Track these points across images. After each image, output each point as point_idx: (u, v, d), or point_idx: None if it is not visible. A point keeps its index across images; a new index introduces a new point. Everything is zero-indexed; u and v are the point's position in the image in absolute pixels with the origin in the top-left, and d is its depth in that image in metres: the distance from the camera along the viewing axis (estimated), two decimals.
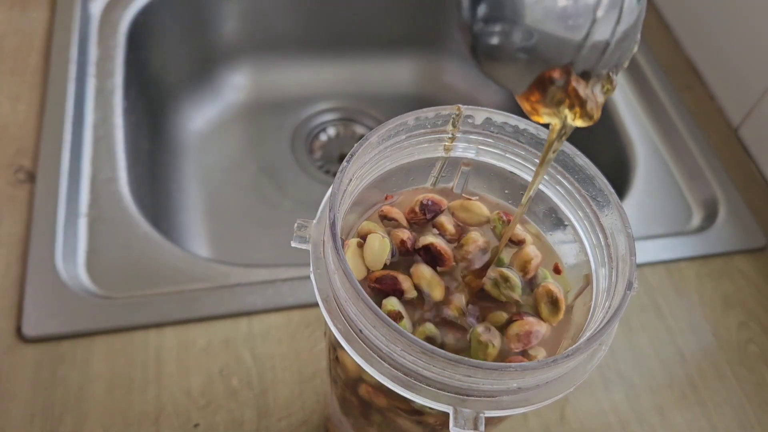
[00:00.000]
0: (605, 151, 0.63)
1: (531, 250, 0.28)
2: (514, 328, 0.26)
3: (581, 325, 0.27)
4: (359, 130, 0.76)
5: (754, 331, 0.49)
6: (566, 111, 0.20)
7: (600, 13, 0.16)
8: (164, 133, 0.68)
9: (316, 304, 0.25)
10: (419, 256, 0.28)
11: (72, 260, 0.45)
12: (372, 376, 0.23)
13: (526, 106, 0.20)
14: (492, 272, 0.28)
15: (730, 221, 0.55)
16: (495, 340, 0.26)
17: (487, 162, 0.30)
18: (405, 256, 0.28)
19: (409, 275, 0.27)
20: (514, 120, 0.28)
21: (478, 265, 0.28)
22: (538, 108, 0.20)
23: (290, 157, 0.72)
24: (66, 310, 0.42)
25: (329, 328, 0.24)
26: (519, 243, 0.30)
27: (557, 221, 0.30)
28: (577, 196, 0.28)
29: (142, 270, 0.46)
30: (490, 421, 0.26)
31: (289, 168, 0.72)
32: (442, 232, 0.29)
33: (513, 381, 0.22)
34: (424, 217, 0.29)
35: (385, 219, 0.29)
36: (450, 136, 0.29)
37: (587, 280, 0.28)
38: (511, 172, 0.30)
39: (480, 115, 0.28)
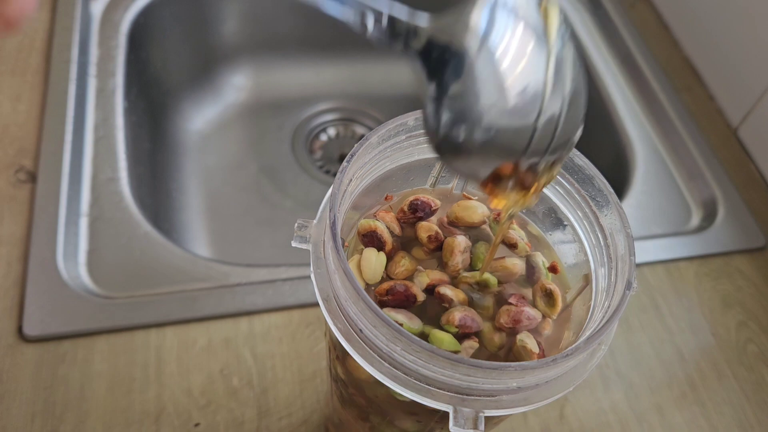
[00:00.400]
0: (605, 151, 0.63)
1: (509, 262, 0.28)
2: (506, 308, 0.26)
3: (581, 325, 0.27)
4: (359, 130, 0.76)
5: (753, 331, 0.49)
6: (514, 196, 0.23)
7: (547, 95, 0.17)
8: (165, 133, 0.68)
9: (317, 304, 0.25)
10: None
11: (73, 260, 0.45)
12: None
13: (485, 191, 0.22)
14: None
15: (730, 221, 0.55)
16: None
17: None
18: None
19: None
20: None
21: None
22: (495, 194, 0.22)
23: (290, 157, 0.72)
24: (67, 310, 0.43)
25: (329, 328, 0.24)
26: (512, 246, 0.30)
27: (556, 221, 0.30)
28: (577, 196, 0.28)
29: (142, 270, 0.46)
30: (490, 421, 0.26)
31: (290, 168, 0.72)
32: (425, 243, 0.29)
33: (513, 380, 0.22)
34: (414, 216, 0.29)
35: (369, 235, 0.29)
36: None
37: (586, 280, 0.28)
38: None
39: None
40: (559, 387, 0.24)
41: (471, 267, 0.28)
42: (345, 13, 0.15)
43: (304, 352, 0.43)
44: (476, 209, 0.30)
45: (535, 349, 0.26)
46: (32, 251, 0.45)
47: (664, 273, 0.51)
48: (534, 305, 0.28)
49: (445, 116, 0.17)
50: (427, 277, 0.27)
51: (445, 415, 0.23)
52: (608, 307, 0.25)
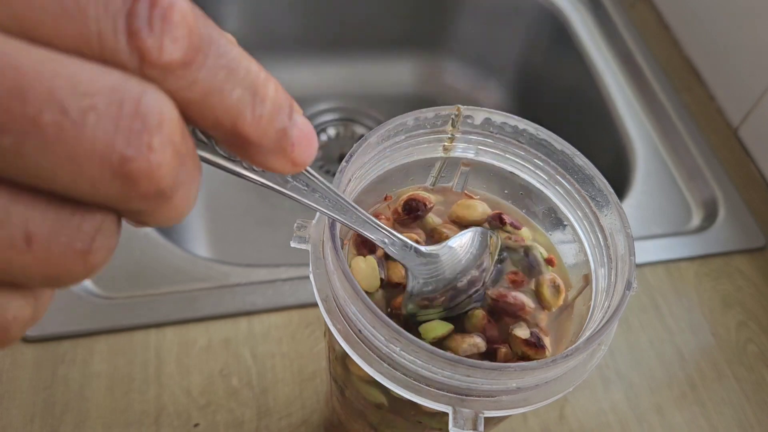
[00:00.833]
0: (605, 151, 0.63)
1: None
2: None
3: (581, 325, 0.27)
4: (359, 130, 0.76)
5: (753, 331, 0.49)
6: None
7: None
8: None
9: (316, 304, 0.25)
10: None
11: None
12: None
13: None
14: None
15: (730, 221, 0.55)
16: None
17: (486, 162, 0.30)
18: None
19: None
20: (513, 120, 0.28)
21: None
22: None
23: None
24: (66, 310, 0.43)
25: (328, 329, 0.24)
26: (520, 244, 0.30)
27: (556, 221, 0.30)
28: (577, 196, 0.28)
29: (142, 270, 0.46)
30: (490, 421, 0.26)
31: None
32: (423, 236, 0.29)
33: (512, 381, 0.22)
34: (408, 216, 0.29)
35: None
36: (449, 136, 0.29)
37: (586, 280, 0.28)
38: (510, 172, 0.30)
39: (479, 115, 0.28)
40: (559, 387, 0.24)
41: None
42: (376, 239, 0.23)
43: (303, 353, 0.43)
44: (477, 207, 0.30)
45: (526, 336, 0.26)
46: None
47: (664, 273, 0.51)
48: (537, 296, 0.28)
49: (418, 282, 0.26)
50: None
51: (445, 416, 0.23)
52: (608, 307, 0.25)
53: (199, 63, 0.13)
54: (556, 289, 0.28)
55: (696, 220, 0.56)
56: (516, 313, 0.27)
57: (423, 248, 0.26)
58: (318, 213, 0.27)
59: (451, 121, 0.28)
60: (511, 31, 0.74)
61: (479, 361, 0.21)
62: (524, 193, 0.30)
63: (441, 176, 0.31)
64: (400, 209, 0.29)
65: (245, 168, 0.16)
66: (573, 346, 0.22)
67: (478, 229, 0.28)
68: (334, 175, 0.25)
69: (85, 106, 0.11)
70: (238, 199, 0.68)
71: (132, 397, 0.40)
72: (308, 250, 0.26)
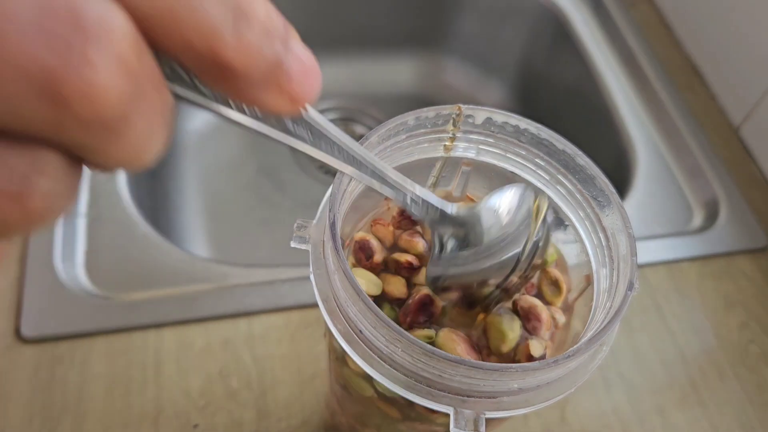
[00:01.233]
0: (606, 151, 0.63)
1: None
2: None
3: (582, 326, 0.27)
4: (359, 130, 0.76)
5: (755, 332, 0.49)
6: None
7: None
8: None
9: (316, 305, 0.24)
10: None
11: (71, 260, 0.45)
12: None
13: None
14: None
15: (732, 221, 0.55)
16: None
17: (487, 162, 0.30)
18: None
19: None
20: (514, 120, 0.28)
21: None
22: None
23: (290, 157, 0.72)
24: (65, 311, 0.42)
25: (329, 329, 0.24)
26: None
27: (558, 221, 0.30)
28: (578, 196, 0.28)
29: (141, 270, 0.46)
30: (491, 422, 0.26)
31: (289, 168, 0.71)
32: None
33: (513, 382, 0.22)
34: (407, 219, 0.29)
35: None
36: (450, 135, 0.29)
37: (588, 281, 0.28)
38: (511, 172, 0.30)
39: (480, 114, 0.28)
40: (561, 388, 0.24)
41: None
42: (394, 197, 0.21)
43: (303, 354, 0.43)
44: None
45: (515, 333, 0.26)
46: (30, 252, 0.45)
47: (666, 273, 0.51)
48: (540, 292, 0.28)
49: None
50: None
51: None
52: (610, 307, 0.25)
53: None
54: (556, 286, 0.28)
55: (697, 220, 0.55)
56: (534, 325, 0.27)
57: (452, 209, 0.22)
58: (318, 211, 0.27)
59: (452, 121, 0.28)
60: (512, 30, 0.74)
61: (480, 362, 0.21)
62: None
63: (442, 176, 0.31)
64: (396, 214, 0.29)
65: (234, 109, 0.14)
66: (575, 346, 0.22)
67: (521, 185, 0.24)
68: (334, 175, 0.25)
69: (2, 8, 0.09)
70: (238, 199, 0.68)
71: (131, 398, 0.40)
72: (308, 250, 0.25)
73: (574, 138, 0.29)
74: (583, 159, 0.27)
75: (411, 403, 0.24)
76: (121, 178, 0.51)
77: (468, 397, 0.23)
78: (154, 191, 0.60)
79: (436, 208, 0.22)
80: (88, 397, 0.40)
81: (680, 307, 0.49)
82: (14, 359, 0.41)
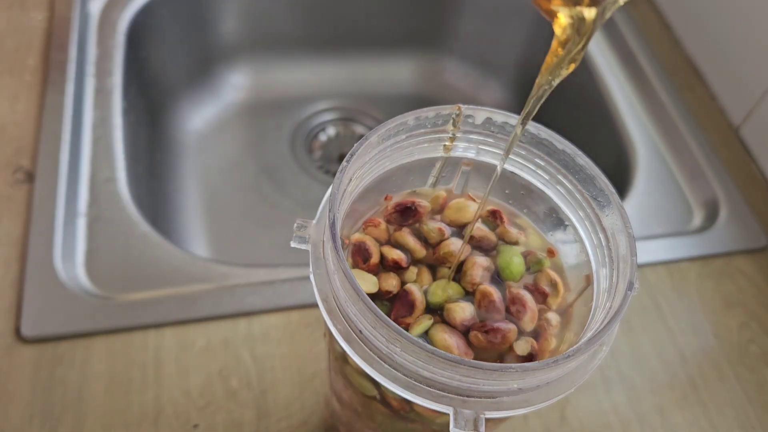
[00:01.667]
0: (606, 151, 0.63)
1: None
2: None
3: (582, 326, 0.27)
4: (359, 130, 0.76)
5: (755, 332, 0.49)
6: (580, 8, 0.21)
7: None
8: (163, 133, 0.68)
9: (316, 305, 0.24)
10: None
11: (71, 260, 0.45)
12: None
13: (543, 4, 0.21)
14: None
15: (731, 221, 0.55)
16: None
17: (487, 162, 0.30)
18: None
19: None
20: (514, 119, 0.28)
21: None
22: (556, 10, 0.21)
23: (290, 157, 0.72)
24: (65, 311, 0.42)
25: (329, 329, 0.24)
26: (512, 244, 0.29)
27: (558, 221, 0.30)
28: (578, 196, 0.28)
29: (141, 270, 0.46)
30: (491, 422, 0.26)
31: (289, 168, 0.71)
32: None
33: (513, 382, 0.22)
34: (400, 217, 0.29)
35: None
36: (450, 135, 0.29)
37: (588, 281, 0.28)
38: (511, 172, 0.30)
39: (480, 114, 0.28)
40: (561, 388, 0.24)
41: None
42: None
43: (303, 353, 0.43)
44: (468, 208, 0.29)
45: (523, 353, 0.26)
46: (30, 252, 0.45)
47: (666, 273, 0.51)
48: (538, 295, 0.28)
49: None
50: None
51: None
52: (610, 307, 0.25)
53: None
54: (554, 287, 0.28)
55: (697, 220, 0.55)
56: (518, 309, 0.27)
57: None
58: (318, 211, 0.27)
59: (451, 121, 0.28)
60: (512, 30, 0.74)
61: (480, 362, 0.21)
62: (525, 193, 0.30)
63: (442, 176, 0.31)
64: (391, 216, 0.29)
65: None
66: (574, 346, 0.22)
67: None
68: (334, 175, 0.25)
69: None
70: (237, 199, 0.68)
71: (131, 397, 0.40)
72: (308, 250, 0.25)
73: (573, 138, 0.29)
74: (582, 159, 0.27)
75: (411, 403, 0.24)
76: (122, 178, 0.51)
77: (468, 397, 0.23)
78: (154, 191, 0.60)
79: None
80: (88, 396, 0.40)
81: (680, 307, 0.49)
82: (14, 359, 0.41)
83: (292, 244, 0.26)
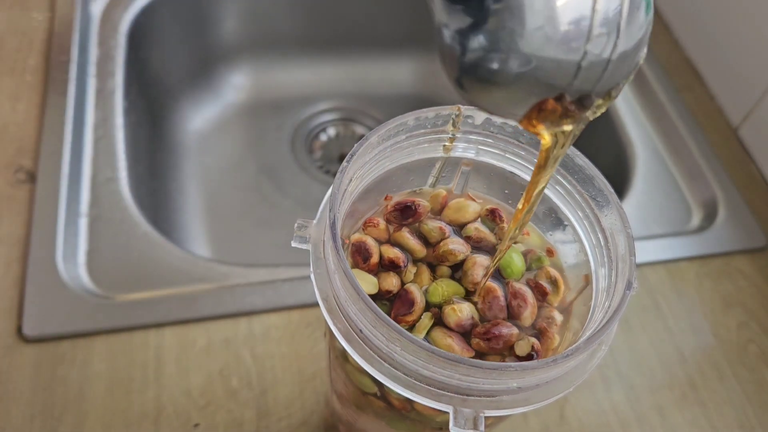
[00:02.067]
0: (605, 151, 0.63)
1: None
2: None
3: (581, 326, 0.27)
4: (359, 130, 0.76)
5: (754, 331, 0.49)
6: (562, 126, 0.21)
7: (596, 31, 0.16)
8: (164, 133, 0.68)
9: (316, 304, 0.25)
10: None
11: (72, 260, 0.45)
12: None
13: (525, 126, 0.21)
14: None
15: (730, 221, 0.55)
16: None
17: (487, 162, 0.30)
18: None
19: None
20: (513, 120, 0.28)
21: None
22: (537, 128, 0.21)
23: (290, 157, 0.72)
24: (66, 310, 0.42)
25: (329, 329, 0.24)
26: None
27: (557, 221, 0.30)
28: (577, 196, 0.28)
29: (142, 270, 0.46)
30: (490, 421, 0.26)
31: (289, 168, 0.72)
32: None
33: (513, 381, 0.22)
34: (400, 216, 0.29)
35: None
36: (450, 136, 0.29)
37: (587, 280, 0.28)
38: (511, 172, 0.30)
39: (480, 115, 0.28)
40: (560, 387, 0.24)
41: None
42: None
43: (303, 353, 0.43)
44: (468, 208, 0.30)
45: (523, 354, 0.26)
46: (31, 251, 0.45)
47: (665, 273, 0.51)
48: (538, 293, 0.28)
49: (475, 41, 0.15)
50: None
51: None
52: (609, 307, 0.25)
53: None
54: (554, 284, 0.28)
55: (696, 220, 0.56)
56: (519, 304, 0.27)
57: None
58: (319, 211, 0.27)
59: (451, 121, 0.28)
60: None
61: (480, 361, 0.21)
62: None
63: (442, 176, 0.31)
64: (391, 216, 0.29)
65: None
66: (573, 346, 0.22)
67: None
68: (334, 175, 0.25)
69: None
70: (238, 199, 0.68)
71: (131, 397, 0.40)
72: (309, 250, 0.26)
73: None
74: (581, 159, 0.28)
75: (411, 402, 0.24)
76: (123, 178, 0.51)
77: (467, 395, 0.23)
78: (155, 191, 0.60)
79: None
80: (89, 396, 0.40)
81: (679, 307, 0.49)
82: (15, 358, 0.41)
83: (293, 244, 0.26)
